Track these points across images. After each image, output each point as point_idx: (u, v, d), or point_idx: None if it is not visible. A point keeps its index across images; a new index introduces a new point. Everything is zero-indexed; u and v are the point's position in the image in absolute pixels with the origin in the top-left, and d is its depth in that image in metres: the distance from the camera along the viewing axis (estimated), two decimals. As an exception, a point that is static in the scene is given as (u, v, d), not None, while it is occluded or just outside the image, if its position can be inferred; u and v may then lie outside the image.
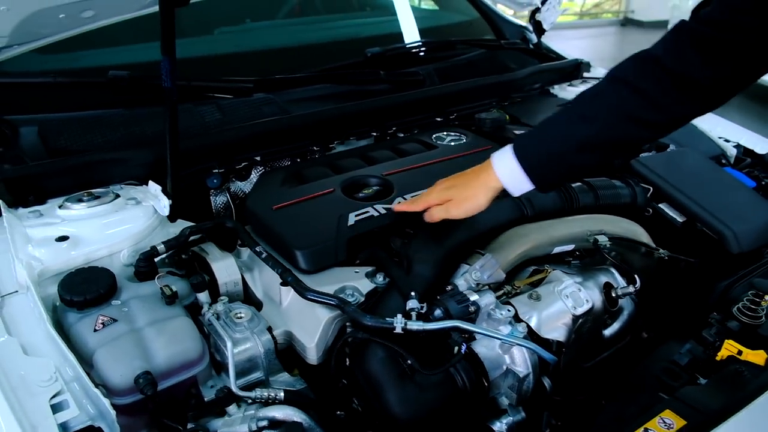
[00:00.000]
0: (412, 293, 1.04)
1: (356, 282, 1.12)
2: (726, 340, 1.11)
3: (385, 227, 1.23)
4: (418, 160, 1.48)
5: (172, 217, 1.29)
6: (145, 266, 1.14)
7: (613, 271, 1.30)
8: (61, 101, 1.58)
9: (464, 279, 1.12)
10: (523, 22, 2.51)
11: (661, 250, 1.32)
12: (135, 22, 1.55)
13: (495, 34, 2.46)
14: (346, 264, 1.18)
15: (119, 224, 1.20)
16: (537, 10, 2.33)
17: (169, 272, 1.15)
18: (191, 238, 1.23)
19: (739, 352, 1.10)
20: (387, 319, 0.99)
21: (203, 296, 1.11)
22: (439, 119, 1.82)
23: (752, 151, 1.90)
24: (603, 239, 1.27)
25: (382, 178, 1.39)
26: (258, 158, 1.52)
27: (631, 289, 1.22)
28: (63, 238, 1.15)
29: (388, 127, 1.72)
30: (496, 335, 1.03)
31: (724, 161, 1.83)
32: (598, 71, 2.35)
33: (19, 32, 1.35)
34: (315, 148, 1.59)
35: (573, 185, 1.41)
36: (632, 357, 1.29)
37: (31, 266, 1.09)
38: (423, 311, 1.03)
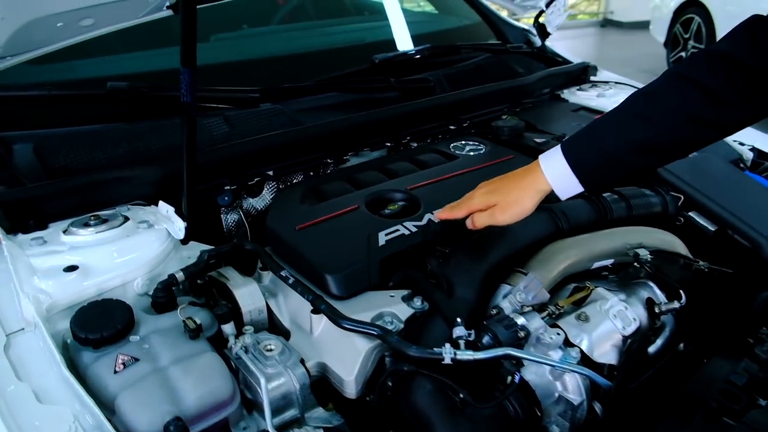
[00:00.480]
0: (458, 319, 0.97)
1: (393, 307, 1.05)
2: (783, 358, 1.06)
3: (418, 246, 1.16)
4: (440, 173, 1.41)
5: (185, 240, 1.20)
6: (163, 296, 1.05)
7: (652, 285, 1.24)
8: (57, 115, 1.48)
9: (509, 301, 1.05)
10: (524, 24, 2.47)
11: (700, 262, 1.27)
12: (134, 29, 1.46)
13: (498, 38, 2.40)
14: (379, 287, 1.10)
15: (132, 250, 1.11)
16: (541, 12, 2.29)
17: (190, 303, 1.06)
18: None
19: (797, 370, 1.05)
20: (434, 349, 0.92)
21: (229, 328, 1.03)
22: (452, 127, 1.75)
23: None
24: (643, 253, 1.21)
25: (408, 192, 1.31)
26: (270, 173, 1.43)
27: (676, 304, 1.17)
28: (72, 268, 1.05)
29: (402, 137, 1.65)
30: (550, 362, 0.96)
31: (742, 165, 1.79)
32: (605, 74, 2.31)
33: (14, 42, 1.25)
34: (329, 160, 1.51)
35: (605, 195, 1.35)
36: (674, 374, 1.24)
37: (39, 300, 0.99)
38: (471, 338, 0.96)
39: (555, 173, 1.03)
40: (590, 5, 10.84)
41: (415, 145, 1.67)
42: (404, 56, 1.89)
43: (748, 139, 1.93)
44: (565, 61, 2.33)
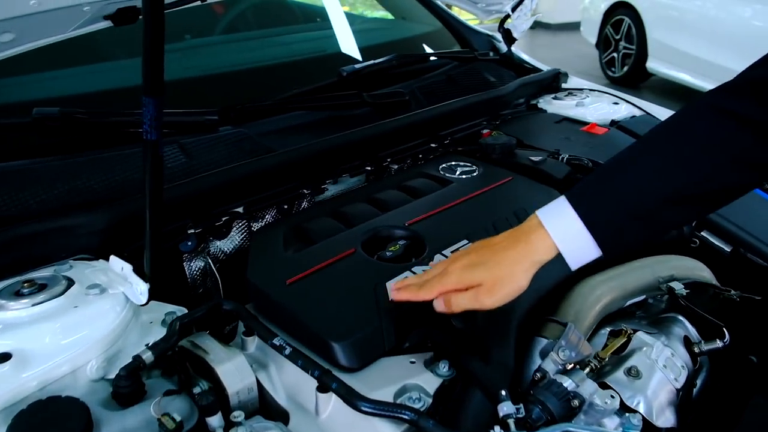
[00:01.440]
0: (503, 392, 0.80)
1: (417, 378, 0.86)
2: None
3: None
4: (438, 202, 1.24)
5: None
6: (128, 386, 0.83)
7: (682, 318, 1.12)
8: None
9: (551, 360, 0.89)
10: (485, 29, 2.35)
11: (732, 291, 1.15)
12: (66, 42, 1.21)
13: (461, 45, 2.26)
14: (395, 350, 0.92)
15: (81, 327, 0.87)
16: (507, 17, 2.16)
17: (166, 393, 0.84)
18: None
19: None
20: (482, 434, 0.75)
21: (215, 420, 0.82)
22: (433, 145, 1.59)
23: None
24: (678, 287, 1.08)
25: (408, 229, 1.13)
26: (240, 209, 1.22)
27: (719, 344, 1.05)
28: (4, 358, 0.81)
29: (381, 159, 1.47)
30: (614, 437, 0.81)
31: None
32: (575, 81, 2.21)
33: None
34: (305, 191, 1.32)
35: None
36: (713, 419, 1.12)
37: (-39, 406, 0.75)
38: (521, 415, 0.79)
39: (564, 235, 0.82)
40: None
41: (396, 167, 1.49)
42: (373, 67, 1.71)
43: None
44: (534, 68, 2.21)
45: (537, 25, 10.27)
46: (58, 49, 1.23)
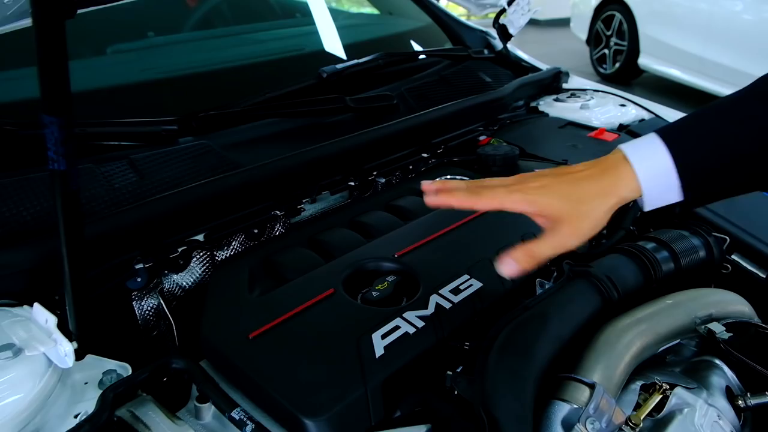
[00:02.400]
0: (521, 487, 0.63)
1: (411, 461, 0.69)
2: None
3: (431, 348, 0.81)
4: (433, 226, 1.06)
5: (79, 354, 0.80)
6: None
7: (721, 364, 0.95)
8: None
9: (577, 433, 0.72)
10: (478, 25, 2.18)
11: (776, 329, 0.99)
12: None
13: (453, 42, 2.09)
14: (383, 424, 0.74)
15: (-12, 400, 0.69)
16: (502, 12, 1.99)
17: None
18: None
19: None
20: None
21: None
22: (425, 155, 1.41)
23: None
24: (719, 329, 0.91)
25: (398, 262, 0.95)
26: (200, 238, 1.04)
27: (769, 398, 0.88)
28: None
29: (367, 172, 1.29)
30: None
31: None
32: (576, 81, 2.05)
33: None
34: (278, 212, 1.13)
35: (644, 245, 1.05)
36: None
37: None
38: None
39: (650, 172, 0.74)
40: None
41: (384, 181, 1.31)
42: (357, 67, 1.53)
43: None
44: (532, 67, 2.04)
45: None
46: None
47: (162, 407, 0.77)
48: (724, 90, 5.17)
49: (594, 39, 6.84)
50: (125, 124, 1.16)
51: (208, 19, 1.87)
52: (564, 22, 8.05)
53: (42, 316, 0.79)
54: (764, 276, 1.15)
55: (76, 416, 0.75)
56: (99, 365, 0.83)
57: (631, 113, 1.79)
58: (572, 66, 7.44)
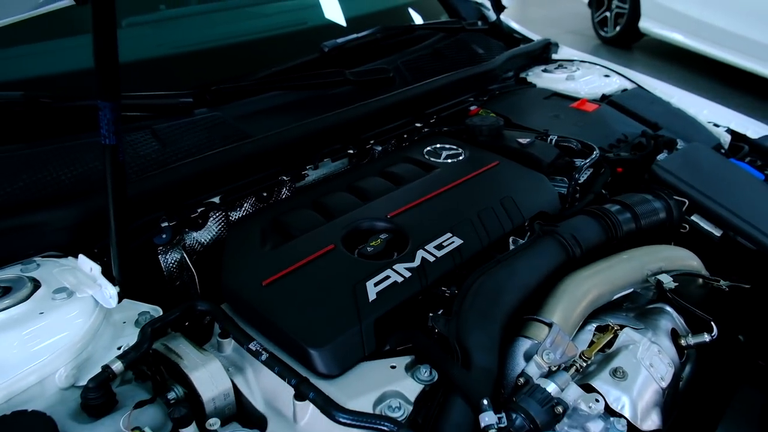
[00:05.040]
0: (485, 401, 0.78)
1: (397, 384, 0.84)
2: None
3: (416, 295, 0.95)
4: (422, 190, 1.20)
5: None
6: (97, 396, 0.80)
7: (670, 309, 1.10)
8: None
9: (535, 364, 0.87)
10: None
11: (721, 281, 1.13)
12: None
13: (449, 14, 2.18)
14: (374, 355, 0.89)
15: (49, 334, 0.84)
16: (496, -16, 2.08)
17: (137, 404, 0.81)
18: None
19: None
20: (463, 446, 0.73)
21: (190, 430, 0.79)
22: (419, 124, 1.53)
23: (744, 135, 1.77)
24: (667, 280, 1.05)
25: (390, 222, 1.10)
26: (216, 200, 1.18)
27: (707, 338, 1.03)
28: (-35, 370, 0.78)
29: (365, 141, 1.42)
30: (597, 445, 0.79)
31: (722, 151, 1.69)
32: (566, 51, 2.15)
33: None
34: (285, 177, 1.27)
35: (608, 207, 1.19)
36: (701, 405, 1.12)
37: None
38: (503, 424, 0.77)
39: None
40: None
41: (380, 149, 1.44)
42: (356, 41, 1.64)
43: (722, 120, 1.83)
44: (524, 38, 2.14)
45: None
46: (19, 27, 1.15)
47: (190, 341, 0.92)
48: (723, 54, 5.22)
49: (596, 1, 6.84)
50: (146, 96, 1.29)
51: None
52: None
53: (87, 265, 0.94)
54: (719, 235, 1.29)
55: (119, 348, 0.90)
56: (134, 308, 0.98)
57: (615, 83, 1.90)
58: (574, 29, 7.39)
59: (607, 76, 1.92)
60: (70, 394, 0.84)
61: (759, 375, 1.12)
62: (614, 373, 0.90)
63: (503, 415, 0.78)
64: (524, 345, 0.92)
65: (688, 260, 1.15)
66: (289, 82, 1.46)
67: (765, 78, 4.88)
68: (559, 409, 0.81)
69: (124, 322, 0.96)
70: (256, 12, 1.86)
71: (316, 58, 1.57)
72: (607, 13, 6.68)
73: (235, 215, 1.21)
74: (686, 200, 1.29)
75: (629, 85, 1.92)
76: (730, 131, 1.77)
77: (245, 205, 1.22)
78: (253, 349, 0.87)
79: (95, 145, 1.16)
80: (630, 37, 6.52)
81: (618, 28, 6.54)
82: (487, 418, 0.76)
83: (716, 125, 1.79)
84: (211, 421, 0.82)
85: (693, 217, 1.32)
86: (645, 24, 6.13)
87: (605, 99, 1.79)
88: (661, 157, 1.44)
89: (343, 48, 1.61)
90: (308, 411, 0.83)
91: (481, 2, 2.22)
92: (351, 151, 1.39)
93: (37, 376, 0.82)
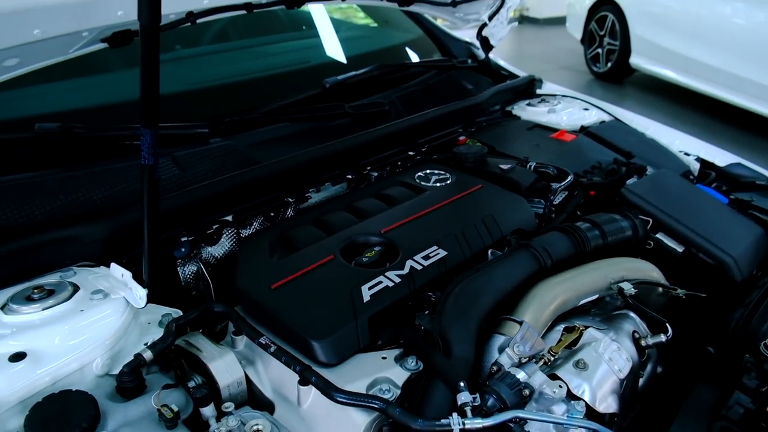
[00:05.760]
0: (461, 383, 0.91)
1: (387, 371, 0.97)
2: (771, 387, 1.07)
3: (405, 298, 1.09)
4: (412, 210, 1.34)
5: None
6: (130, 380, 0.93)
7: (633, 315, 1.23)
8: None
9: (506, 355, 1.01)
10: (465, 36, 2.45)
11: (678, 290, 1.27)
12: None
13: (442, 53, 2.36)
14: (369, 348, 1.03)
15: (87, 329, 0.98)
16: (484, 25, 2.26)
17: (164, 387, 0.95)
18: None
19: (786, 397, 1.06)
20: (441, 420, 0.86)
21: (208, 410, 0.93)
22: (411, 153, 1.69)
23: (712, 164, 1.92)
24: (627, 287, 1.19)
25: (384, 236, 1.24)
26: (229, 218, 1.33)
27: (663, 338, 1.16)
28: (19, 356, 0.92)
29: (362, 167, 1.58)
30: (559, 421, 0.92)
31: (691, 177, 1.84)
32: (550, 87, 2.32)
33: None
34: (290, 199, 1.42)
35: (579, 224, 1.33)
36: (660, 402, 1.24)
37: (-17, 399, 0.86)
38: (477, 403, 0.90)
39: None
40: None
41: (376, 174, 1.60)
42: (355, 78, 1.81)
43: (693, 149, 1.99)
44: (511, 74, 2.32)
45: (525, 20, 10.37)
46: (57, 66, 1.32)
47: (208, 337, 1.05)
48: (709, 89, 5.42)
49: (588, 38, 7.10)
50: (168, 127, 1.45)
51: (231, 30, 2.15)
52: (561, 21, 8.26)
53: (118, 272, 1.08)
54: (681, 251, 1.43)
55: (145, 344, 1.04)
56: (158, 311, 1.12)
57: (593, 116, 2.06)
58: (567, 64, 7.64)
59: (586, 109, 2.09)
60: (105, 381, 0.97)
61: (715, 371, 1.24)
62: (577, 364, 1.03)
63: (477, 395, 0.91)
64: (498, 340, 1.05)
65: (649, 271, 1.29)
66: (294, 114, 1.62)
67: (750, 111, 5.07)
68: (526, 392, 0.94)
69: (149, 323, 1.10)
70: (264, 51, 2.04)
71: (319, 93, 1.74)
72: (599, 50, 6.93)
73: (245, 232, 1.35)
74: (651, 219, 1.44)
75: (607, 118, 2.08)
76: (699, 159, 1.93)
77: (255, 223, 1.37)
78: (263, 342, 1.00)
79: (122, 170, 1.33)
80: (621, 73, 6.75)
81: (609, 64, 6.78)
82: (463, 397, 0.90)
83: (687, 154, 1.94)
84: (226, 404, 0.95)
85: (658, 235, 1.46)
86: (635, 60, 6.37)
87: (583, 130, 1.95)
88: (630, 181, 1.59)
89: (343, 84, 1.79)
90: (311, 395, 0.96)
91: (472, 42, 2.40)
92: (349, 177, 1.54)
93: (77, 364, 0.95)
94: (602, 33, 6.83)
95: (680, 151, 1.95)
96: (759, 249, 1.48)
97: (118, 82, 1.61)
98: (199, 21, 1.40)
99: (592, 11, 6.97)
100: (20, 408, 0.88)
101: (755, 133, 5.21)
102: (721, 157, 1.95)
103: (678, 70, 5.77)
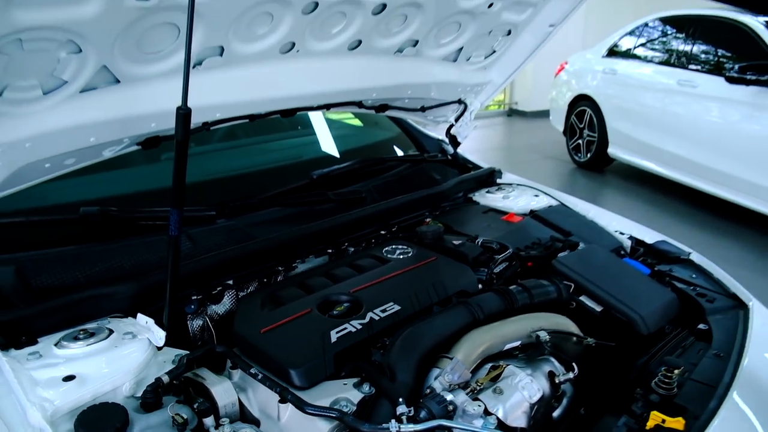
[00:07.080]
0: (400, 399, 1.22)
1: (347, 393, 1.28)
2: (652, 412, 1.35)
3: (364, 341, 1.41)
4: (377, 275, 1.68)
5: (161, 346, 1.40)
6: (152, 397, 1.24)
7: (553, 360, 1.53)
8: (35, 239, 1.66)
9: (439, 382, 1.31)
10: (433, 133, 2.86)
11: (588, 339, 1.58)
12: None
13: (417, 148, 2.77)
14: (334, 377, 1.34)
15: (120, 360, 1.30)
16: (452, 125, 2.67)
17: (177, 402, 1.25)
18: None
19: (663, 421, 1.34)
20: (383, 425, 1.16)
21: (209, 420, 1.23)
22: (383, 232, 2.05)
23: (643, 241, 2.26)
24: (543, 334, 1.51)
25: (352, 295, 1.57)
26: (230, 282, 1.66)
27: (571, 375, 1.46)
28: (70, 378, 1.23)
29: (341, 244, 1.93)
30: (474, 429, 1.22)
31: (623, 252, 2.17)
32: (509, 177, 2.70)
33: (7, 182, 1.46)
34: (280, 268, 1.76)
35: (511, 288, 1.66)
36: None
37: (44, 408, 1.16)
38: (411, 414, 1.20)
39: None
40: (497, 96, 11.83)
41: (353, 250, 1.94)
42: (338, 170, 2.20)
43: (626, 229, 2.34)
44: (475, 166, 2.71)
45: (513, 113, 11.06)
46: (98, 163, 1.70)
47: (210, 371, 1.36)
48: (682, 177, 5.85)
49: (569, 130, 7.64)
50: (184, 210, 1.80)
51: (232, 131, 2.57)
52: (546, 114, 8.87)
53: (143, 320, 1.41)
54: (599, 310, 1.75)
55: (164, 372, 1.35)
56: (171, 352, 1.43)
57: (543, 201, 2.42)
58: (552, 154, 8.15)
59: (536, 195, 2.45)
60: (131, 401, 1.28)
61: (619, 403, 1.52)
62: (494, 390, 1.33)
63: (412, 408, 1.21)
64: (435, 372, 1.36)
65: (565, 324, 1.61)
66: (286, 200, 1.99)
67: (723, 199, 5.45)
68: (450, 407, 1.24)
69: (165, 362, 1.41)
70: (264, 148, 2.45)
71: (307, 183, 2.12)
72: (580, 141, 7.45)
73: (242, 293, 1.68)
74: (573, 284, 1.77)
75: (554, 203, 2.44)
76: (631, 238, 2.27)
77: (250, 287, 1.70)
78: (252, 372, 1.31)
79: (146, 244, 1.68)
80: (601, 162, 7.24)
81: (590, 155, 7.28)
82: (401, 409, 1.20)
83: (621, 233, 2.29)
84: (223, 419, 1.25)
85: (581, 297, 1.78)
86: (613, 150, 6.86)
87: (532, 213, 2.30)
88: (561, 254, 1.93)
89: (328, 176, 2.17)
90: (287, 411, 1.27)
91: (443, 139, 2.81)
92: (330, 251, 1.89)
93: (111, 386, 1.26)
94: (582, 126, 7.38)
95: (616, 231, 2.29)
96: (668, 309, 1.79)
97: (143, 176, 2.00)
98: (212, 128, 1.79)
99: (572, 105, 7.54)
100: (69, 416, 1.18)
101: (728, 219, 5.59)
102: (651, 236, 2.29)
103: (652, 160, 6.23)
